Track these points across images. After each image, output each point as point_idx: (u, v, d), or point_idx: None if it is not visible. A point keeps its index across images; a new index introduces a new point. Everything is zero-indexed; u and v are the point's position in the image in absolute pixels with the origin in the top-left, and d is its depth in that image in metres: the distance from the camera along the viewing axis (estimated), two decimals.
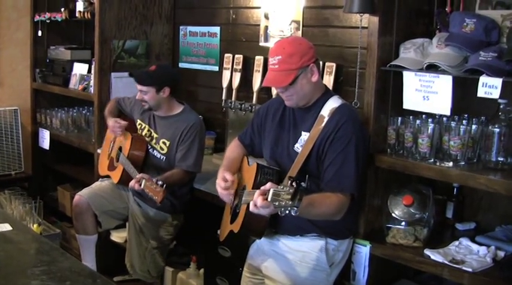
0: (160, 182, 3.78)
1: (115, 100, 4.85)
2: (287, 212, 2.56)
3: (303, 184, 2.99)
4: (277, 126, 3.33)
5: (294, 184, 2.56)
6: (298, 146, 3.18)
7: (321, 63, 4.09)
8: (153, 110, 4.46)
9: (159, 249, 4.46)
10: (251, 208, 2.68)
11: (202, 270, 4.36)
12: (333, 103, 3.17)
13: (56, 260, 2.90)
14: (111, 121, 4.59)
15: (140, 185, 3.90)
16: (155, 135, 4.44)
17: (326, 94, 3.23)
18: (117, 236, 4.94)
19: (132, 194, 4.49)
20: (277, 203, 2.54)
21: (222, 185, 3.24)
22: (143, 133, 4.50)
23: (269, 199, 2.56)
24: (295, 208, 2.55)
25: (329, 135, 3.07)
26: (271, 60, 3.12)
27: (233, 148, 3.59)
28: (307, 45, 3.12)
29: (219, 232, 3.59)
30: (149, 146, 4.43)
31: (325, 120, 3.12)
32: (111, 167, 4.60)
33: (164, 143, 4.38)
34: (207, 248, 4.21)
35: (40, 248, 3.13)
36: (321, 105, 3.17)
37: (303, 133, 3.19)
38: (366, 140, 3.21)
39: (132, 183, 3.98)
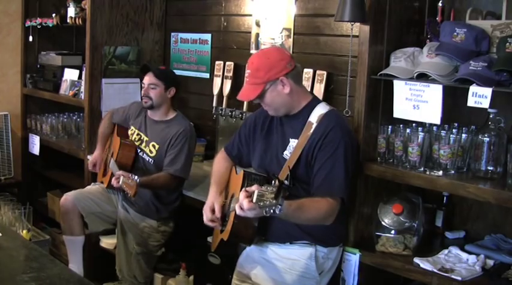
0: (135, 178, 3.86)
1: (109, 116, 4.85)
2: (272, 211, 2.55)
3: (286, 182, 3.02)
4: (265, 134, 3.35)
5: (276, 182, 2.57)
6: (287, 154, 3.19)
7: (311, 71, 4.13)
8: (154, 108, 4.46)
9: (144, 256, 4.45)
10: (237, 211, 2.68)
11: (191, 278, 4.36)
12: (321, 109, 3.19)
13: (45, 267, 2.89)
14: (95, 152, 4.76)
15: (119, 182, 3.95)
16: (145, 138, 4.46)
17: (313, 101, 3.25)
18: (107, 243, 4.92)
19: (121, 199, 4.50)
20: (261, 204, 2.54)
21: (208, 217, 3.26)
22: (133, 138, 4.52)
23: (254, 200, 2.56)
24: (279, 206, 2.55)
25: (318, 140, 3.09)
26: (246, 73, 3.18)
27: (220, 161, 3.58)
28: (277, 58, 3.12)
29: (209, 239, 3.59)
30: (139, 150, 4.46)
31: (314, 126, 3.14)
32: (105, 172, 4.61)
33: (153, 146, 4.40)
34: (196, 255, 4.20)
35: (29, 254, 3.13)
36: (309, 112, 3.19)
37: (291, 140, 3.20)
38: (354, 145, 3.22)
39: (112, 180, 4.03)
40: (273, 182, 2.61)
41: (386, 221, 3.35)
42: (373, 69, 3.35)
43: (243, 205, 2.62)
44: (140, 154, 4.45)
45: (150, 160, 4.40)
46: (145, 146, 4.44)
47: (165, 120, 4.48)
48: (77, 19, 5.51)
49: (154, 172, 4.34)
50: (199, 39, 5.26)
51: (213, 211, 3.26)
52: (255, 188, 2.62)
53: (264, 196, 2.54)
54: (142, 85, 4.48)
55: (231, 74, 4.84)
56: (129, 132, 4.58)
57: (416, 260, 3.21)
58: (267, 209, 2.55)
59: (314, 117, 3.17)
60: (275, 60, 3.11)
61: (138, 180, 3.86)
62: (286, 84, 3.12)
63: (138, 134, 4.51)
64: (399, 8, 3.41)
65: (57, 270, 2.86)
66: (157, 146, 4.38)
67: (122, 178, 3.95)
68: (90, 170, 4.81)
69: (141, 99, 4.51)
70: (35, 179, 6.51)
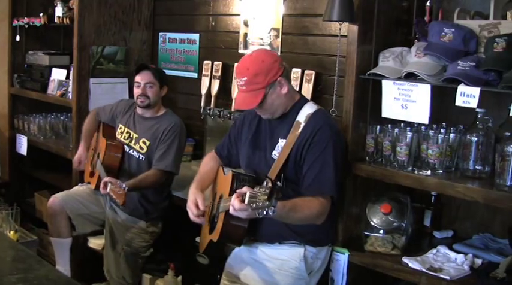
0: (123, 186, 3.82)
1: (94, 113, 4.83)
2: (265, 213, 2.54)
3: (278, 183, 3.02)
4: (253, 135, 3.34)
5: (269, 184, 2.56)
6: (275, 154, 3.19)
7: (300, 70, 4.13)
8: (150, 107, 4.45)
9: (133, 256, 4.43)
10: (231, 210, 2.68)
11: (180, 278, 4.35)
12: (309, 109, 3.19)
13: (33, 268, 2.87)
14: (79, 150, 4.70)
15: (106, 189, 3.92)
16: (135, 135, 4.45)
17: (300, 101, 3.26)
18: (95, 243, 4.90)
19: (109, 200, 4.48)
20: (254, 205, 2.53)
21: (194, 213, 3.25)
22: (122, 136, 4.50)
23: (246, 202, 2.55)
24: (273, 208, 2.54)
25: (306, 140, 3.09)
26: (238, 81, 3.14)
27: (207, 161, 3.59)
28: (271, 60, 3.12)
29: (197, 239, 3.57)
30: (128, 148, 4.44)
31: (302, 125, 3.14)
32: (91, 174, 4.59)
33: (144, 142, 4.38)
34: (185, 256, 4.20)
35: (16, 255, 3.10)
36: (297, 112, 3.20)
37: (279, 140, 3.20)
38: (342, 144, 3.22)
39: (100, 187, 4.00)
40: (265, 183, 2.60)
41: (374, 220, 3.35)
42: (361, 68, 3.35)
43: (234, 204, 2.62)
44: (130, 152, 4.42)
45: (142, 156, 4.38)
46: (134, 144, 4.42)
47: (155, 116, 4.48)
48: (64, 19, 5.48)
49: (145, 168, 4.33)
50: (188, 39, 5.25)
51: (196, 206, 3.26)
52: (245, 189, 2.62)
53: (257, 197, 2.53)
54: (137, 84, 4.42)
55: (219, 74, 4.83)
56: (118, 130, 4.56)
57: (405, 259, 3.22)
58: (260, 210, 2.53)
59: (302, 116, 3.17)
60: (270, 62, 3.10)
61: (126, 188, 3.82)
62: (284, 85, 3.12)
63: (127, 132, 4.49)
64: (387, 7, 3.42)
65: (44, 271, 2.84)
66: (148, 143, 4.37)
67: (109, 185, 3.91)
68: (76, 168, 4.78)
69: (136, 99, 4.45)
70: (22, 179, 6.47)
